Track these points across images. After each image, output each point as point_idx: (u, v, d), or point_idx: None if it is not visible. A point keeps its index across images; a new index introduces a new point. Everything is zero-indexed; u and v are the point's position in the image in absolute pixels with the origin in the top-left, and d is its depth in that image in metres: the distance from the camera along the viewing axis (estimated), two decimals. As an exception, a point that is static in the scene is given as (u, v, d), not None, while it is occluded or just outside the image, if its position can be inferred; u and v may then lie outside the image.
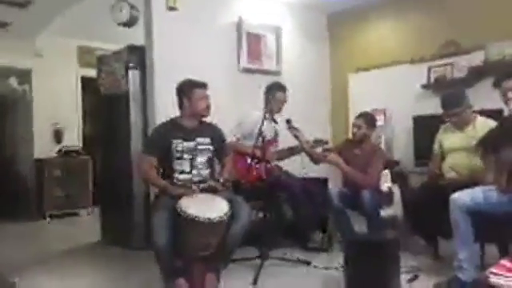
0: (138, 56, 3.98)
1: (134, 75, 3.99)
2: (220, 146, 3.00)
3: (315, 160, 3.78)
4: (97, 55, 4.68)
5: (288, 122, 3.66)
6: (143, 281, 2.92)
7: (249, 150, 3.38)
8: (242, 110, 3.79)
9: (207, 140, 2.91)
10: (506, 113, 2.52)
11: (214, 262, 2.71)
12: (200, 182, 2.85)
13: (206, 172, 2.89)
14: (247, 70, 4.36)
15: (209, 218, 2.50)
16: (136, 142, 3.95)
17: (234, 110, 3.85)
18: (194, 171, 2.85)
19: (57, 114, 6.06)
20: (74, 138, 6.26)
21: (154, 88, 3.83)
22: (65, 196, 5.78)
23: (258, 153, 3.32)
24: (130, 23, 4.16)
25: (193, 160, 2.85)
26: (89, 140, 6.34)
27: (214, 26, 4.20)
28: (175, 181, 2.82)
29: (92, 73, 4.85)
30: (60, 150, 5.98)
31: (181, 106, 2.92)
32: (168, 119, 2.97)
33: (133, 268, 3.29)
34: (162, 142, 2.84)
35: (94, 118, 5.30)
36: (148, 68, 3.91)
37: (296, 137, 3.67)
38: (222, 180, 2.85)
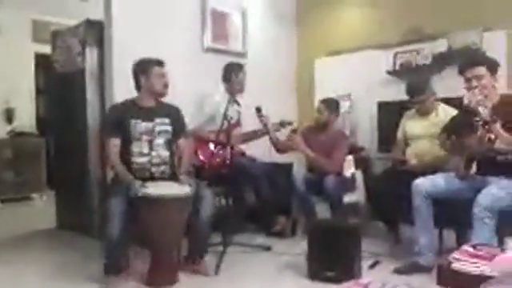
0: (96, 32, 3.76)
1: (91, 52, 3.77)
2: (178, 126, 2.89)
3: (281, 150, 3.74)
4: (52, 30, 4.41)
5: (258, 110, 3.57)
6: (102, 268, 2.77)
7: (212, 136, 3.29)
8: (204, 92, 3.66)
9: (166, 120, 2.82)
10: (465, 101, 2.56)
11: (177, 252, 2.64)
12: (159, 164, 2.76)
13: (165, 154, 2.79)
14: (211, 50, 4.20)
15: (174, 195, 2.43)
16: (93, 123, 3.76)
17: (195, 91, 3.71)
18: (154, 153, 2.75)
19: (7, 93, 5.71)
20: (26, 118, 5.94)
21: (113, 66, 3.63)
22: (17, 179, 5.49)
23: (223, 137, 3.23)
24: (87, -4, 3.93)
25: (151, 141, 2.75)
26: (42, 120, 6.03)
27: (177, 2, 4.02)
28: (134, 165, 2.70)
29: (46, 49, 4.56)
30: (11, 131, 5.66)
31: (138, 86, 2.82)
32: (124, 99, 2.85)
33: (90, 255, 3.14)
34: (118, 121, 2.73)
35: (48, 97, 5.03)
36: (106, 45, 3.70)
37: (265, 125, 3.60)
38: (181, 171, 2.77)
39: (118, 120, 2.73)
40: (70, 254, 3.27)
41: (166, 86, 2.83)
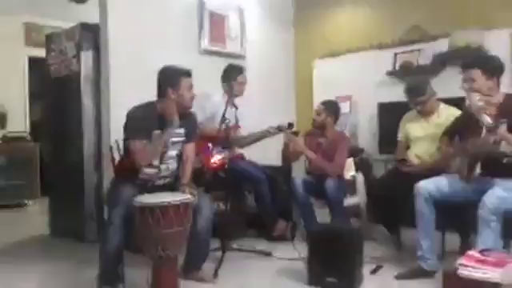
0: (92, 35, 3.71)
1: (86, 56, 3.71)
2: (190, 132, 2.77)
3: (290, 159, 3.67)
4: (46, 33, 4.34)
5: (290, 125, 3.52)
6: (96, 279, 2.69)
7: (214, 133, 3.22)
8: (203, 95, 3.59)
9: (181, 131, 2.70)
10: (467, 102, 2.53)
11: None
12: (166, 176, 2.69)
13: (174, 166, 2.71)
14: (209, 52, 4.15)
15: (173, 202, 2.34)
16: (88, 128, 3.70)
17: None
18: (163, 166, 2.65)
19: (0, 97, 5.63)
20: (19, 123, 5.88)
21: (109, 70, 3.58)
22: (10, 185, 5.40)
23: (222, 139, 3.17)
24: (82, -1, 3.88)
25: (164, 153, 2.64)
26: (36, 125, 5.96)
27: (173, 4, 3.96)
28: (141, 175, 2.61)
29: (40, 52, 4.50)
30: (4, 136, 5.59)
31: (162, 94, 2.64)
32: (144, 103, 2.67)
33: (85, 262, 3.05)
34: (142, 128, 2.56)
35: (42, 101, 4.96)
36: (102, 48, 3.64)
37: (287, 141, 3.54)
38: (184, 181, 2.66)
39: (141, 127, 2.57)
40: (63, 261, 3.18)
41: (193, 98, 2.70)
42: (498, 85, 2.61)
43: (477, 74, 2.57)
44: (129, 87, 3.42)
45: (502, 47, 3.54)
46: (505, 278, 1.42)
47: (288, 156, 3.67)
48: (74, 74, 3.76)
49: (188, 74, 2.68)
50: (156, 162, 2.63)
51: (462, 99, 3.22)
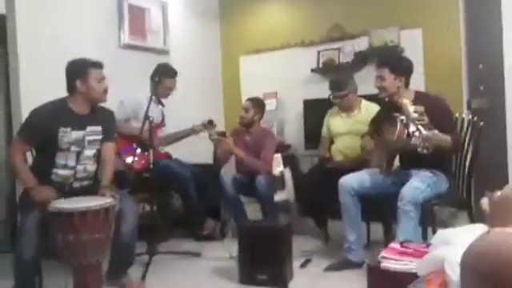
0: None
1: (-9, 49, 3.38)
2: (108, 130, 2.62)
3: (221, 161, 3.61)
4: None
5: (210, 123, 3.45)
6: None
7: (135, 132, 3.07)
8: (123, 91, 3.42)
9: (98, 128, 2.55)
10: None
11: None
12: (83, 179, 2.53)
13: (92, 168, 2.55)
14: (129, 47, 3.94)
15: (91, 207, 2.19)
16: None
17: (113, 91, 3.45)
18: (80, 166, 2.50)
19: None
20: None
21: (18, 66, 3.27)
22: None
23: (145, 138, 3.03)
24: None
25: (80, 153, 2.49)
26: None
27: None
28: (53, 177, 2.44)
29: None
30: None
31: (71, 89, 2.50)
32: (54, 100, 2.51)
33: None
34: (44, 128, 2.40)
35: None
36: (10, 42, 3.31)
37: (216, 143, 3.45)
38: (104, 183, 2.51)
39: (43, 126, 2.41)
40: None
41: (105, 91, 2.56)
42: (407, 84, 2.72)
43: (386, 73, 2.68)
44: (42, 84, 3.16)
45: (416, 45, 3.76)
46: (421, 267, 1.48)
47: (219, 158, 3.61)
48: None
49: (98, 65, 2.54)
50: (72, 163, 2.48)
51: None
